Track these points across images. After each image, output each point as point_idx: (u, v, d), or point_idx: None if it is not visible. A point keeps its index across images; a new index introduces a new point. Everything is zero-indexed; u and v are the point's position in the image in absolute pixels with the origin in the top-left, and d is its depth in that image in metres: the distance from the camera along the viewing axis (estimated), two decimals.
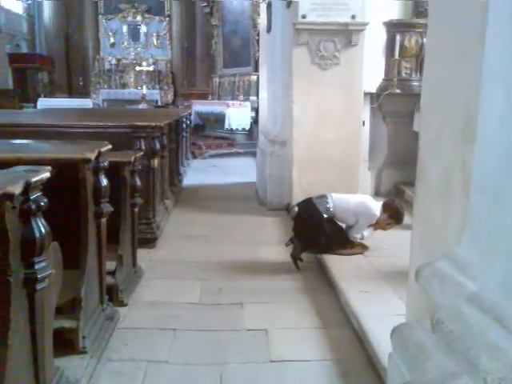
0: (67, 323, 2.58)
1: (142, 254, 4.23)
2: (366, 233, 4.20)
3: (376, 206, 4.14)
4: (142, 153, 3.87)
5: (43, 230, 1.89)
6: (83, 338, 2.62)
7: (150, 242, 4.65)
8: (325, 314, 3.34)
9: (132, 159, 3.51)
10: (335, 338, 3.01)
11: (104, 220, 2.90)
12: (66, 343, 2.58)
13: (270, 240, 5.04)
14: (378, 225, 4.18)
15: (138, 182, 3.75)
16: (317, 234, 4.09)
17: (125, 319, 3.22)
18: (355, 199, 4.25)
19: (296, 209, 4.32)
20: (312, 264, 4.28)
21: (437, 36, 1.99)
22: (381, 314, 3.01)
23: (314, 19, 5.47)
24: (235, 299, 3.58)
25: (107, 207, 2.88)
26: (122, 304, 3.35)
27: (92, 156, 2.63)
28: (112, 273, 3.34)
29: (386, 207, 4.14)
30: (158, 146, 4.76)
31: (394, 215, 4.12)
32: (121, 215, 3.47)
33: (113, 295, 3.29)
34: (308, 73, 5.65)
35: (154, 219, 4.81)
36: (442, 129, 1.75)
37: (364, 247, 4.23)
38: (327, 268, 3.97)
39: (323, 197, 4.24)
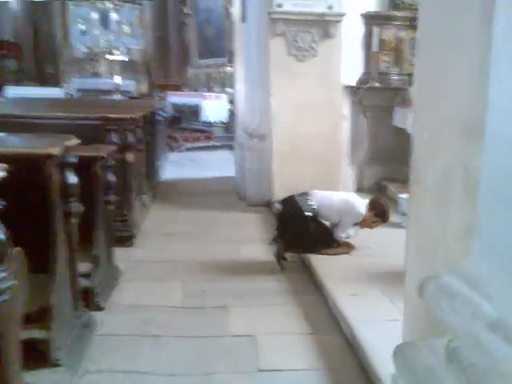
0: (38, 334, 2.41)
1: (119, 253, 4.04)
2: (351, 231, 4.11)
3: (361, 204, 4.05)
4: (115, 147, 3.70)
5: (1, 238, 1.73)
6: (57, 349, 2.45)
7: (127, 240, 4.48)
8: (313, 317, 3.24)
9: (104, 154, 3.34)
10: (325, 345, 2.91)
11: (74, 220, 2.72)
12: (39, 355, 2.42)
13: (252, 238, 4.92)
14: (363, 223, 4.09)
15: (112, 178, 3.57)
16: (301, 233, 3.98)
17: (102, 325, 3.06)
18: (339, 197, 4.15)
19: (278, 207, 4.21)
20: (296, 263, 4.17)
21: (430, 23, 1.83)
22: (372, 320, 2.92)
23: (290, 8, 5.35)
24: (219, 302, 3.45)
25: (77, 206, 2.70)
26: (99, 308, 3.19)
27: (56, 151, 2.43)
28: (87, 275, 3.17)
29: (372, 205, 4.06)
30: (132, 139, 4.58)
31: (380, 213, 4.04)
32: (94, 214, 3.30)
33: (89, 299, 3.12)
34: (285, 64, 5.53)
35: (131, 216, 4.63)
36: (438, 126, 1.65)
37: (350, 246, 4.14)
38: (313, 268, 3.86)
39: (305, 194, 4.13)
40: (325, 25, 5.38)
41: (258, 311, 3.36)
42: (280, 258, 4.02)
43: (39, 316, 2.42)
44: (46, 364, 2.44)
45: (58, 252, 2.54)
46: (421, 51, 1.89)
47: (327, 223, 4.20)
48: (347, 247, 4.13)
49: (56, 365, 2.44)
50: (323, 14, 5.31)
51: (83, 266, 3.04)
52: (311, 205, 4.01)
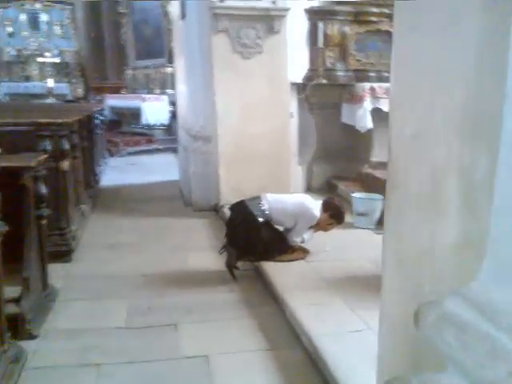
0: None
1: (55, 269, 3.69)
2: (306, 235, 3.91)
3: (315, 206, 3.86)
4: (46, 155, 3.32)
5: None
6: None
7: (65, 255, 4.09)
8: (271, 331, 3.00)
9: (34, 163, 2.98)
10: (286, 361, 2.68)
11: None
12: None
13: (199, 245, 4.64)
14: (318, 226, 3.90)
15: (44, 190, 3.21)
16: (253, 240, 3.73)
17: (35, 356, 2.70)
18: (292, 200, 3.94)
19: (228, 212, 3.94)
20: (249, 272, 3.92)
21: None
22: (335, 332, 2.72)
23: (232, 3, 5.11)
24: (168, 319, 3.16)
25: None
26: (32, 336, 2.83)
27: None
28: (16, 300, 2.81)
29: (326, 207, 3.88)
30: (67, 145, 4.19)
31: (335, 215, 3.87)
32: (25, 231, 2.94)
33: (18, 328, 2.76)
34: (230, 62, 5.29)
35: (69, 228, 4.24)
36: (425, 123, 1.42)
37: (305, 251, 3.93)
38: (267, 277, 3.63)
39: (257, 198, 3.89)
40: (269, 20, 5.18)
41: (210, 327, 3.09)
42: (232, 267, 3.77)
43: None
44: None
45: None
46: (399, 32, 1.59)
47: (280, 228, 3.99)
48: (302, 252, 3.92)
49: None
50: (268, 9, 5.11)
51: (12, 291, 2.69)
52: (263, 209, 3.78)
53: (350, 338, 2.66)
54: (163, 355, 2.75)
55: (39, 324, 2.95)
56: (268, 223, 3.81)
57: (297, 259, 3.86)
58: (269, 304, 3.39)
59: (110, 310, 3.28)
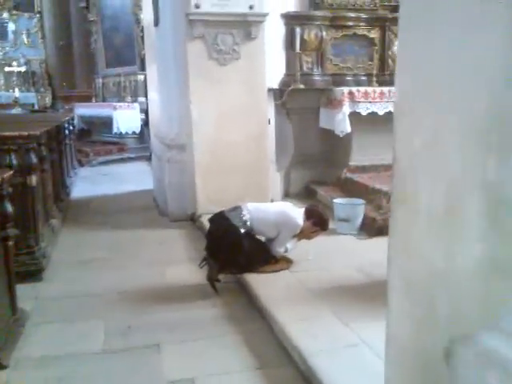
0: None
1: (24, 290, 3.47)
2: (289, 245, 3.77)
3: (298, 215, 3.72)
4: (11, 171, 3.10)
5: None
6: None
7: (34, 274, 3.85)
8: (258, 348, 2.84)
9: None
10: (276, 380, 2.52)
11: None
12: None
13: (177, 258, 4.45)
14: (301, 234, 3.77)
15: (10, 209, 2.99)
16: (234, 252, 3.57)
17: None
18: (274, 208, 3.81)
19: (206, 224, 3.78)
20: (231, 284, 3.76)
21: None
22: (328, 348, 2.57)
23: (208, 9, 4.97)
24: (149, 339, 2.97)
25: None
26: (1, 367, 2.61)
27: None
28: None
29: (308, 214, 3.75)
30: (34, 159, 3.95)
31: (318, 222, 3.74)
32: None
33: None
34: (205, 69, 5.14)
35: (38, 246, 4.00)
36: (439, 131, 1.28)
37: (288, 261, 3.79)
38: (251, 289, 3.47)
39: (237, 208, 3.73)
40: (246, 26, 5.05)
41: (195, 346, 2.91)
42: (213, 280, 3.60)
43: None
44: None
45: None
46: (406, 30, 1.41)
47: (262, 238, 3.84)
48: (286, 262, 3.78)
49: None
50: (245, 15, 4.99)
51: None
52: (245, 220, 3.62)
53: (344, 353, 2.52)
54: (146, 380, 2.57)
55: (9, 352, 2.73)
56: (250, 234, 3.66)
57: (280, 270, 3.71)
58: (254, 319, 3.23)
59: (86, 333, 3.07)
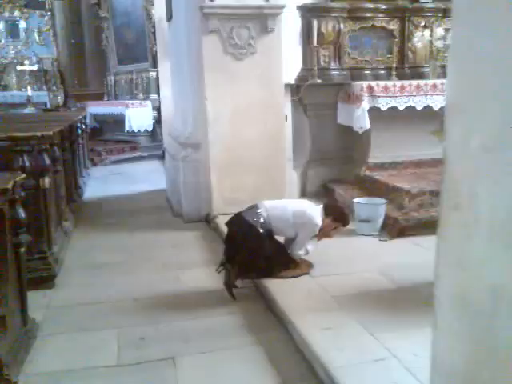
0: None
1: (36, 298, 3.34)
2: (309, 246, 3.59)
3: (316, 213, 3.53)
4: (23, 175, 2.95)
5: None
6: None
7: (46, 280, 3.72)
8: (280, 361, 2.67)
9: (9, 185, 2.62)
10: None
11: None
12: None
13: (193, 261, 4.31)
14: (322, 233, 3.58)
15: (22, 214, 2.84)
16: (255, 255, 3.40)
17: None
18: (293, 207, 3.59)
19: (223, 227, 3.61)
20: (249, 290, 3.60)
21: None
22: (355, 362, 2.39)
23: (224, 2, 4.80)
24: (164, 352, 2.81)
25: None
26: (10, 383, 2.47)
27: None
28: None
29: (328, 211, 3.56)
30: (47, 160, 3.82)
31: (339, 218, 3.56)
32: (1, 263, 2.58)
33: None
34: (221, 64, 4.97)
35: (51, 251, 3.87)
36: (503, 132, 1.10)
37: (309, 265, 3.61)
38: (270, 296, 3.31)
39: (254, 207, 3.55)
40: (263, 18, 4.88)
41: (212, 359, 2.75)
42: (231, 286, 3.43)
43: None
44: None
45: None
46: (463, 12, 1.22)
47: (281, 238, 3.67)
48: (306, 267, 3.60)
49: None
50: (261, 7, 4.81)
51: None
52: (263, 220, 3.45)
53: (372, 368, 2.35)
54: None
55: (19, 367, 2.58)
56: (270, 234, 3.49)
57: (301, 275, 3.54)
58: (274, 328, 3.07)
59: (99, 344, 2.92)
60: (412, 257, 3.89)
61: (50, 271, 3.75)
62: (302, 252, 3.59)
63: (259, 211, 3.50)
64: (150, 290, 3.69)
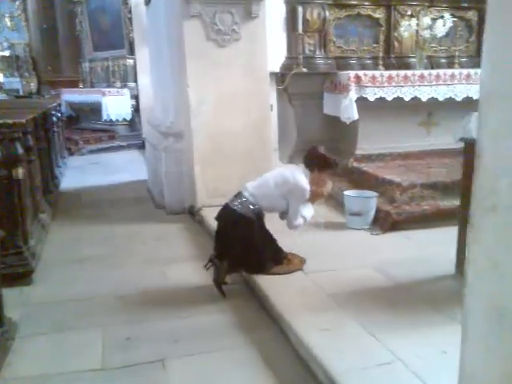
0: None
1: (12, 296, 3.14)
2: (306, 213, 3.38)
3: (300, 176, 3.29)
4: None
5: None
6: None
7: (23, 276, 3.53)
8: (276, 363, 2.54)
9: None
10: None
11: None
12: None
13: (178, 255, 4.16)
14: (314, 195, 3.37)
15: None
16: (247, 247, 3.25)
17: None
18: (274, 178, 3.36)
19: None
20: (239, 285, 3.47)
21: None
22: (359, 366, 2.26)
23: None
24: (152, 354, 2.66)
25: None
26: None
27: None
28: None
29: (309, 165, 3.36)
30: (20, 149, 3.60)
31: (323, 165, 3.33)
32: None
33: None
34: (203, 51, 4.79)
35: (27, 245, 3.67)
36: None
37: (302, 261, 3.47)
38: (262, 293, 3.17)
39: (239, 195, 3.35)
40: (247, 3, 4.72)
41: (203, 361, 2.61)
42: (221, 283, 3.29)
43: None
44: None
45: None
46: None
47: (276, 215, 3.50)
48: (299, 263, 3.46)
49: None
50: None
51: None
52: (252, 205, 3.28)
53: (377, 372, 2.23)
54: None
55: None
56: (260, 218, 3.33)
57: (294, 271, 3.40)
58: (267, 327, 2.94)
59: (82, 346, 2.75)
60: (406, 251, 3.80)
61: (27, 267, 3.55)
62: (299, 221, 3.38)
63: (244, 197, 3.32)
64: (134, 286, 3.53)
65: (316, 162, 3.36)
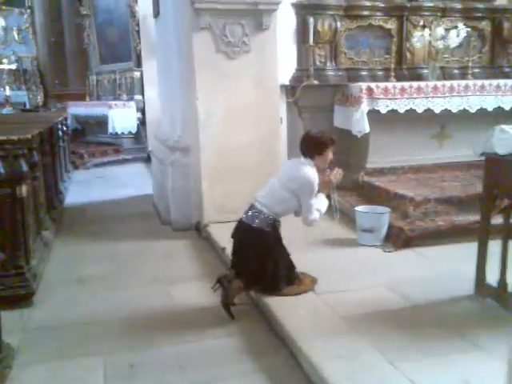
0: None
1: (11, 319, 3.02)
2: (319, 206, 3.24)
3: (306, 168, 3.16)
4: None
5: None
6: None
7: (23, 299, 3.38)
8: None
9: None
10: None
11: None
12: None
13: (184, 274, 4.01)
14: (323, 183, 3.25)
15: None
16: (263, 262, 3.13)
17: None
18: (280, 180, 3.25)
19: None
20: (248, 307, 3.32)
21: None
22: None
23: None
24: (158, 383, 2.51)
25: None
26: None
27: None
28: None
29: (307, 152, 3.21)
30: (24, 166, 3.47)
31: (319, 147, 3.19)
32: None
33: None
34: (213, 63, 4.69)
35: (29, 266, 3.52)
36: None
37: (313, 281, 3.32)
38: (272, 315, 3.02)
39: (251, 207, 3.24)
40: (258, 15, 4.61)
41: None
42: (229, 304, 3.14)
43: None
44: None
45: None
46: None
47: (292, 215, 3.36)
48: (310, 283, 3.31)
49: None
50: (256, 3, 4.55)
51: None
52: (267, 216, 3.16)
53: None
54: None
55: None
56: (277, 233, 3.23)
57: (305, 291, 3.25)
58: (277, 352, 2.78)
59: (83, 375, 2.59)
60: (420, 269, 3.65)
61: (28, 288, 3.40)
62: (314, 216, 3.21)
63: (256, 209, 3.20)
64: (139, 309, 3.38)
65: (311, 147, 3.22)
